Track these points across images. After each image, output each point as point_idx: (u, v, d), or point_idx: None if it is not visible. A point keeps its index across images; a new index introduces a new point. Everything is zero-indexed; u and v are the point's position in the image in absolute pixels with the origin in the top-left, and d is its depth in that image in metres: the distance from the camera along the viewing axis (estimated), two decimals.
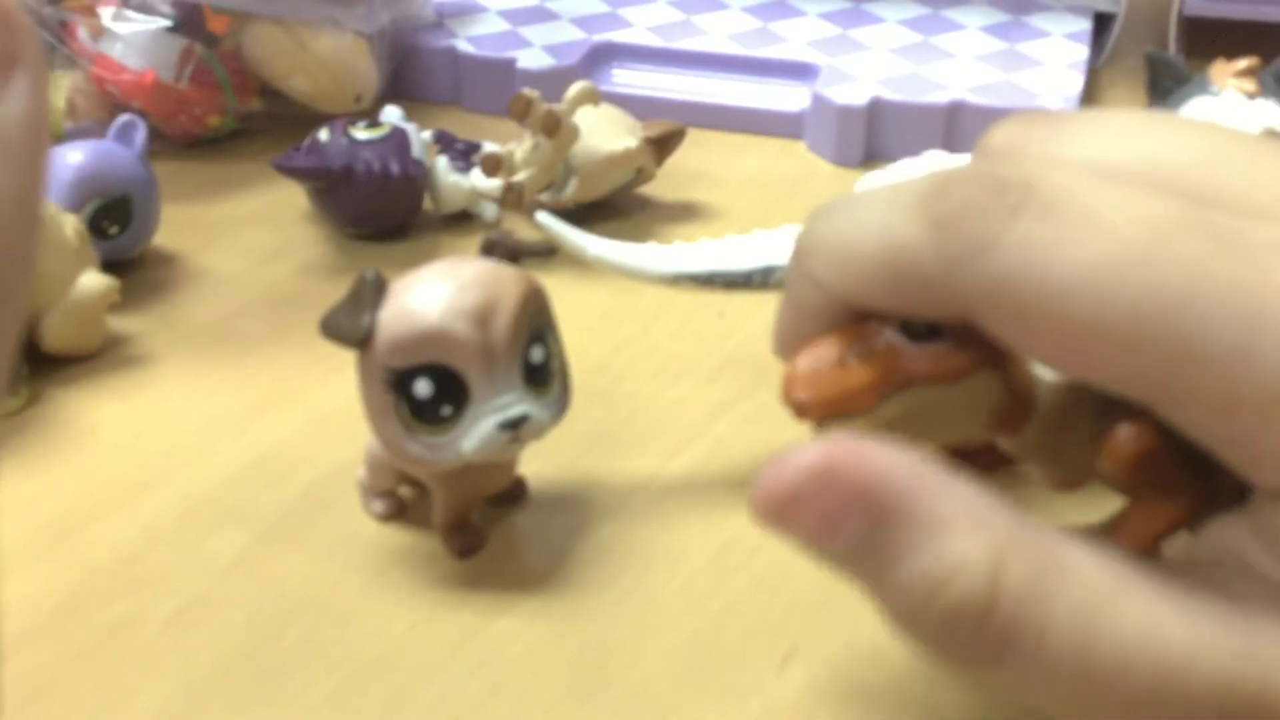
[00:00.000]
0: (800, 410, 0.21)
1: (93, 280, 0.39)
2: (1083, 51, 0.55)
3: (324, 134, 0.45)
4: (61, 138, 0.46)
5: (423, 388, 0.29)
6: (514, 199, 0.44)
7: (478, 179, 0.46)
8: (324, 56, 0.50)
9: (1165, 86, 0.41)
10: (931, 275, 0.19)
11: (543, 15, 0.58)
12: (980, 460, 0.24)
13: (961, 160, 0.36)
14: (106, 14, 0.49)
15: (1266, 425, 0.18)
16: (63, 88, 0.49)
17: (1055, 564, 0.18)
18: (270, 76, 0.51)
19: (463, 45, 0.55)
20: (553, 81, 0.50)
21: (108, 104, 0.49)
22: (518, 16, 0.58)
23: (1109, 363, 0.19)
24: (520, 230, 0.46)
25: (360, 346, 0.29)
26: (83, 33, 0.49)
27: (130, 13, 0.49)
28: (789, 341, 0.22)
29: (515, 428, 0.29)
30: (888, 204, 0.20)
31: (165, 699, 0.28)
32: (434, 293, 0.29)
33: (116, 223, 0.42)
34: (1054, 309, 0.18)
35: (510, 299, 0.29)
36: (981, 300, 0.19)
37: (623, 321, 0.41)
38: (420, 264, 0.30)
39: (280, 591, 0.31)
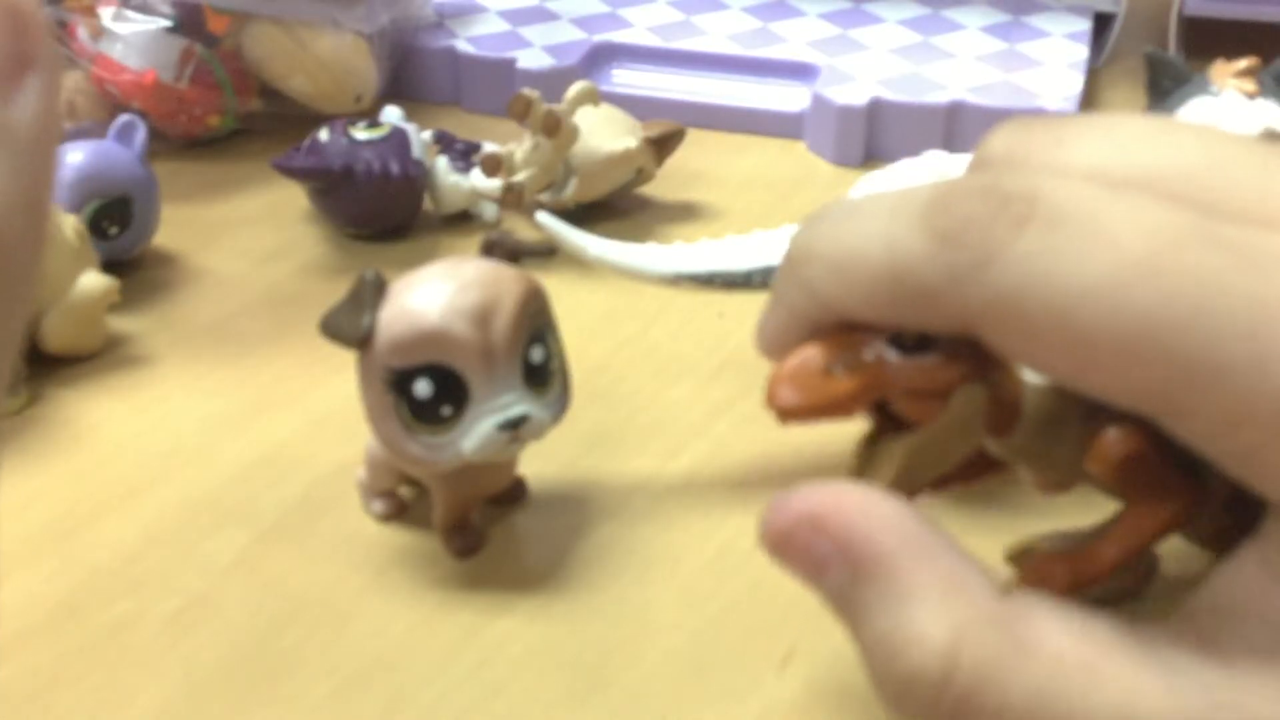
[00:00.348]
0: (783, 414, 0.21)
1: (93, 280, 0.39)
2: (1083, 51, 0.55)
3: (324, 134, 0.45)
4: (62, 138, 0.46)
5: (423, 388, 0.29)
6: (514, 199, 0.44)
7: (478, 179, 0.46)
8: (324, 56, 0.50)
9: (1165, 86, 0.41)
10: (934, 288, 0.19)
11: (543, 15, 0.58)
12: (972, 464, 0.24)
13: (962, 161, 0.36)
14: (106, 14, 0.49)
15: (1276, 439, 0.18)
16: (63, 88, 0.49)
17: (1020, 644, 0.19)
18: (270, 76, 0.51)
19: (463, 45, 0.55)
20: (553, 81, 0.50)
21: (108, 104, 0.49)
22: (518, 16, 0.58)
23: (1115, 376, 0.19)
24: (520, 230, 0.46)
25: (360, 347, 0.29)
26: (83, 33, 0.49)
27: (130, 13, 0.49)
28: (777, 343, 0.22)
29: (515, 428, 0.29)
30: (889, 215, 0.20)
31: (165, 699, 0.28)
32: (434, 293, 0.29)
33: (116, 223, 0.42)
34: (1060, 322, 0.18)
35: (510, 299, 0.29)
36: (985, 313, 0.19)
37: (623, 321, 0.41)
38: (420, 264, 0.30)
39: (280, 591, 0.31)
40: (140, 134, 0.43)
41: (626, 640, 0.30)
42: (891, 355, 0.21)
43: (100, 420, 0.37)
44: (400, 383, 0.29)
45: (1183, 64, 0.41)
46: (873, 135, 0.50)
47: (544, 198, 0.45)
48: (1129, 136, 0.21)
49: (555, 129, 0.43)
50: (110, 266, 0.41)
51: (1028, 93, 0.51)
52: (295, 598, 0.31)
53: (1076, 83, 0.52)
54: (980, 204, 0.19)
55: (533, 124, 0.43)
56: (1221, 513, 0.22)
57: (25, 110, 0.11)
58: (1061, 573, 0.22)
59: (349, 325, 0.29)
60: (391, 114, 0.47)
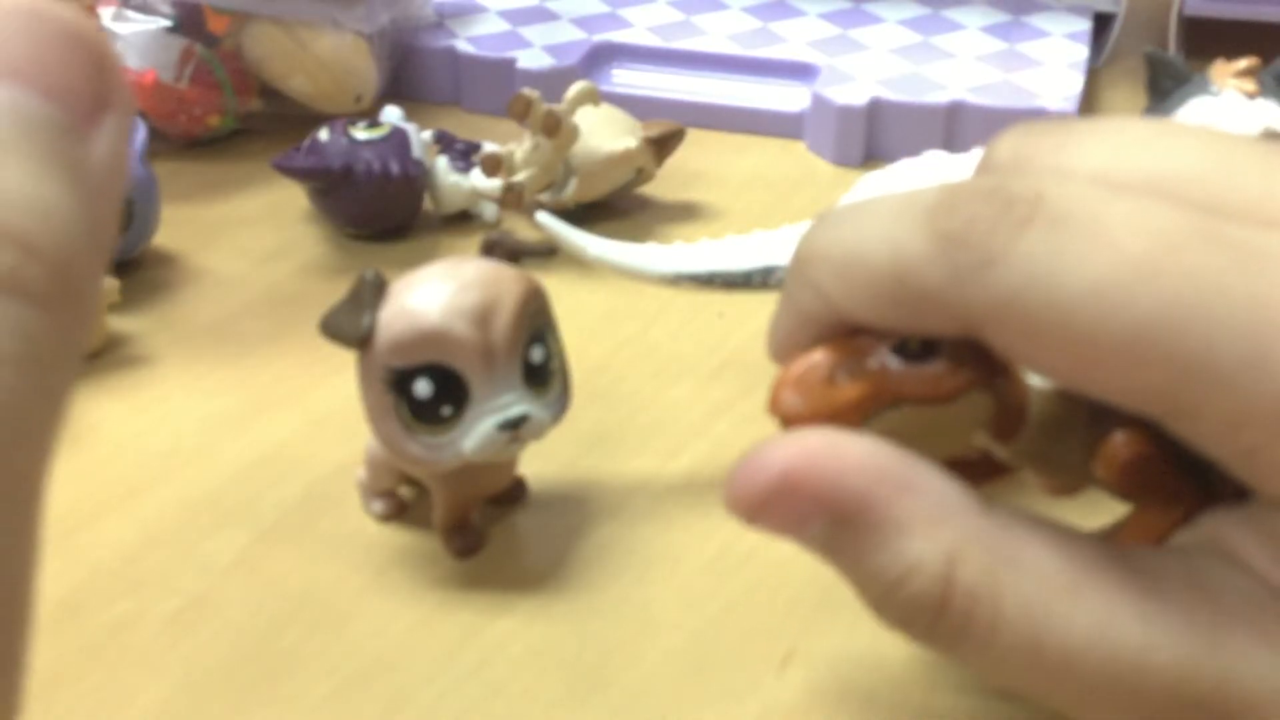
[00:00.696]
0: (785, 421, 0.21)
1: None
2: (1083, 51, 0.55)
3: (324, 134, 0.45)
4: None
5: (423, 388, 0.29)
6: (514, 199, 0.44)
7: (478, 179, 0.46)
8: (324, 56, 0.50)
9: (1165, 86, 0.41)
10: (937, 289, 0.19)
11: (543, 15, 0.58)
12: (978, 467, 0.24)
13: (961, 161, 0.36)
14: (106, 14, 0.49)
15: (1277, 439, 0.18)
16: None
17: (1009, 559, 0.19)
18: (270, 76, 0.51)
19: (463, 45, 0.55)
20: (553, 81, 0.50)
21: None
22: (518, 16, 0.58)
23: (1118, 377, 0.19)
24: (520, 230, 0.46)
25: (360, 347, 0.29)
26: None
27: (130, 13, 0.49)
28: (785, 346, 0.22)
29: (515, 428, 0.29)
30: (893, 216, 0.20)
31: (165, 699, 0.28)
32: (434, 293, 0.29)
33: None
34: (1062, 323, 0.18)
35: (510, 299, 0.29)
36: (988, 315, 0.19)
37: (623, 321, 0.41)
38: (420, 264, 0.30)
39: (280, 591, 0.31)
40: (140, 134, 0.43)
41: (626, 640, 0.30)
42: (896, 362, 0.21)
43: (100, 420, 0.37)
44: (400, 383, 0.29)
45: (1183, 64, 0.41)
46: (873, 135, 0.50)
47: (544, 198, 0.45)
48: (1132, 140, 0.21)
49: (555, 129, 0.43)
50: (110, 266, 0.41)
51: (1028, 93, 0.51)
52: (295, 598, 0.31)
53: (1076, 83, 0.52)
54: (984, 205, 0.19)
55: (533, 124, 0.43)
56: None
57: (101, 149, 0.11)
58: None
59: (349, 325, 0.29)
60: (391, 114, 0.47)
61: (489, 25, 0.57)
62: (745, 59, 0.55)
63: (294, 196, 0.47)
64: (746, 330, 0.40)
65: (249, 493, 0.34)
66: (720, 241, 0.34)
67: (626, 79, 0.55)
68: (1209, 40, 0.55)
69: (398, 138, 0.45)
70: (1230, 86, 0.40)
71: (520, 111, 0.43)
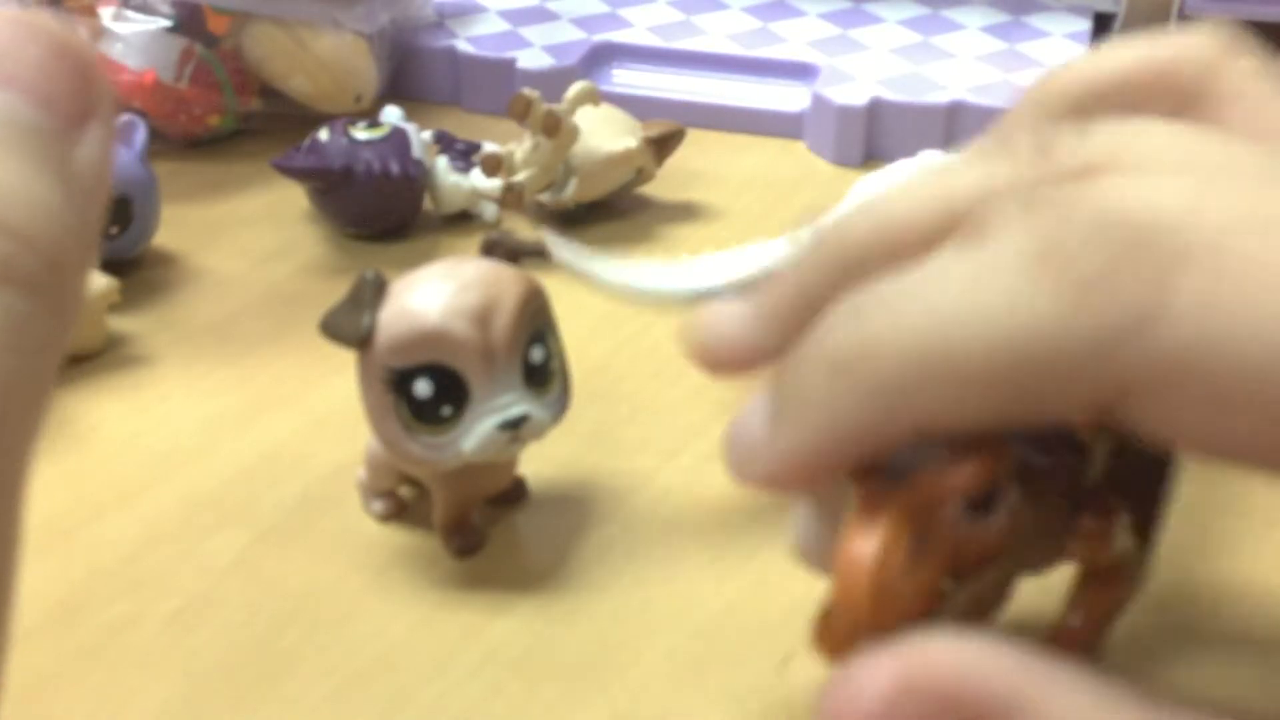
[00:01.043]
0: (861, 627, 0.17)
1: (93, 280, 0.39)
2: (1083, 51, 0.55)
3: (324, 134, 0.45)
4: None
5: (423, 388, 0.29)
6: (514, 199, 0.44)
7: (478, 179, 0.46)
8: (324, 56, 0.50)
9: None
10: (1075, 358, 0.15)
11: (543, 15, 0.58)
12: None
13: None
14: (106, 14, 0.49)
15: None
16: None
17: None
18: (270, 76, 0.51)
19: (463, 45, 0.55)
20: (553, 81, 0.50)
21: None
22: (518, 16, 0.58)
23: None
24: (520, 230, 0.46)
25: (360, 347, 0.29)
26: (82, 33, 0.49)
27: (130, 13, 0.49)
28: (797, 476, 0.18)
29: (515, 428, 0.29)
30: (980, 277, 0.16)
31: (165, 699, 0.28)
32: (434, 293, 0.29)
33: (116, 223, 0.42)
34: (1259, 378, 0.15)
35: (510, 299, 0.29)
36: (1150, 383, 0.15)
37: (623, 321, 0.41)
38: (420, 264, 0.30)
39: (280, 591, 0.31)
40: (140, 134, 0.43)
41: (626, 640, 0.30)
42: (967, 520, 0.18)
43: (100, 420, 0.37)
44: (400, 383, 0.29)
45: None
46: (873, 135, 0.50)
47: (544, 198, 0.45)
48: (1177, 138, 0.18)
49: (555, 129, 0.43)
50: (110, 266, 0.41)
51: None
52: (295, 598, 0.31)
53: None
54: (1112, 242, 0.15)
55: (533, 124, 0.43)
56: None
57: (88, 153, 0.12)
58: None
59: (349, 325, 0.29)
60: (391, 114, 0.47)
61: (489, 25, 0.57)
62: (745, 59, 0.55)
63: (294, 196, 0.47)
64: None
65: (249, 493, 0.34)
66: (727, 253, 0.33)
67: (626, 79, 0.55)
68: None
69: (398, 138, 0.45)
70: None
71: (520, 111, 0.43)
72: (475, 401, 0.29)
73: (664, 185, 0.48)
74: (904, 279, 0.17)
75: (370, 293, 0.29)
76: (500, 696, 0.28)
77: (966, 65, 0.53)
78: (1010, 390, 0.16)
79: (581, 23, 0.57)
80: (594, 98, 0.45)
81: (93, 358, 0.39)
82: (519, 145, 0.44)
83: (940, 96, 0.50)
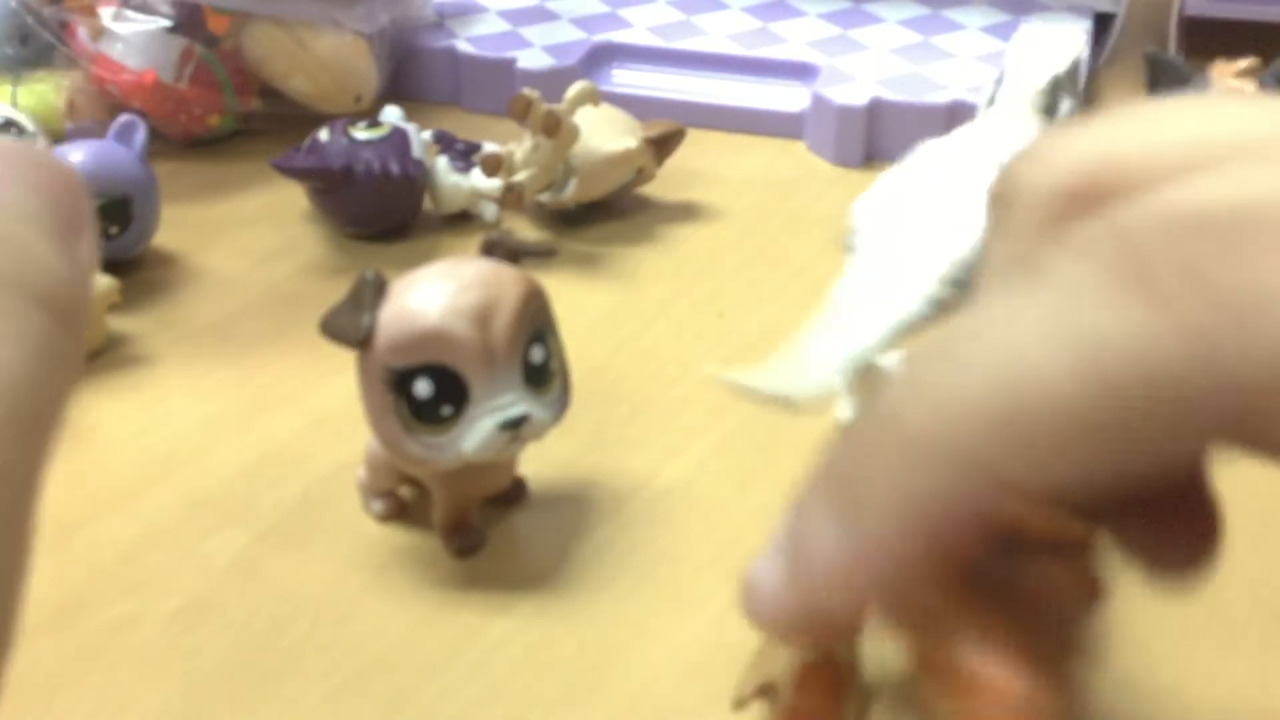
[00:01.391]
0: None
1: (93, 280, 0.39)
2: (1083, 52, 0.55)
3: (324, 134, 0.45)
4: (61, 138, 0.46)
5: (423, 388, 0.29)
6: (514, 199, 0.44)
7: (478, 179, 0.46)
8: (324, 56, 0.50)
9: (1165, 86, 0.41)
10: (1184, 375, 0.13)
11: (543, 15, 0.58)
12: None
13: (956, 146, 0.35)
14: (106, 14, 0.49)
15: None
16: (63, 88, 0.49)
17: None
18: (270, 76, 0.51)
19: (463, 45, 0.55)
20: (553, 81, 0.50)
21: (108, 104, 0.49)
22: (518, 16, 0.58)
23: None
24: (520, 230, 0.46)
25: (360, 347, 0.29)
26: (83, 33, 0.49)
27: (130, 13, 0.49)
28: (890, 590, 0.15)
29: (515, 428, 0.29)
30: (1052, 313, 0.14)
31: (165, 699, 0.28)
32: (434, 293, 0.29)
33: (116, 223, 0.42)
34: None
35: (510, 299, 0.29)
36: (1275, 380, 0.13)
37: (623, 321, 0.41)
38: (420, 264, 0.30)
39: (280, 591, 0.31)
40: (140, 134, 0.43)
41: (626, 640, 0.30)
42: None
43: (100, 420, 0.37)
44: (400, 382, 0.29)
45: (1183, 64, 0.41)
46: (873, 135, 0.50)
47: (544, 198, 0.45)
48: (1210, 112, 0.16)
49: (555, 129, 0.43)
50: (110, 266, 0.41)
51: None
52: (295, 598, 0.31)
53: (1076, 83, 0.52)
54: (1188, 241, 0.13)
55: (533, 124, 0.43)
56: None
57: (81, 254, 0.15)
58: None
59: (349, 325, 0.29)
60: (391, 114, 0.47)
61: (489, 25, 0.57)
62: (745, 59, 0.55)
63: (294, 196, 0.47)
64: (747, 330, 0.40)
65: (249, 493, 0.34)
66: (831, 323, 0.31)
67: (626, 79, 0.55)
68: (1209, 40, 0.55)
69: (398, 138, 0.45)
70: (1230, 86, 0.40)
71: (520, 111, 0.43)
72: (475, 401, 0.29)
73: (664, 185, 0.48)
74: (962, 332, 0.15)
75: (370, 293, 0.29)
76: (500, 696, 0.28)
77: (966, 65, 0.53)
78: (1118, 433, 0.14)
79: (581, 23, 0.57)
80: (594, 98, 0.45)
81: (93, 358, 0.39)
82: (519, 145, 0.44)
83: (940, 96, 0.50)
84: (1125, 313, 0.14)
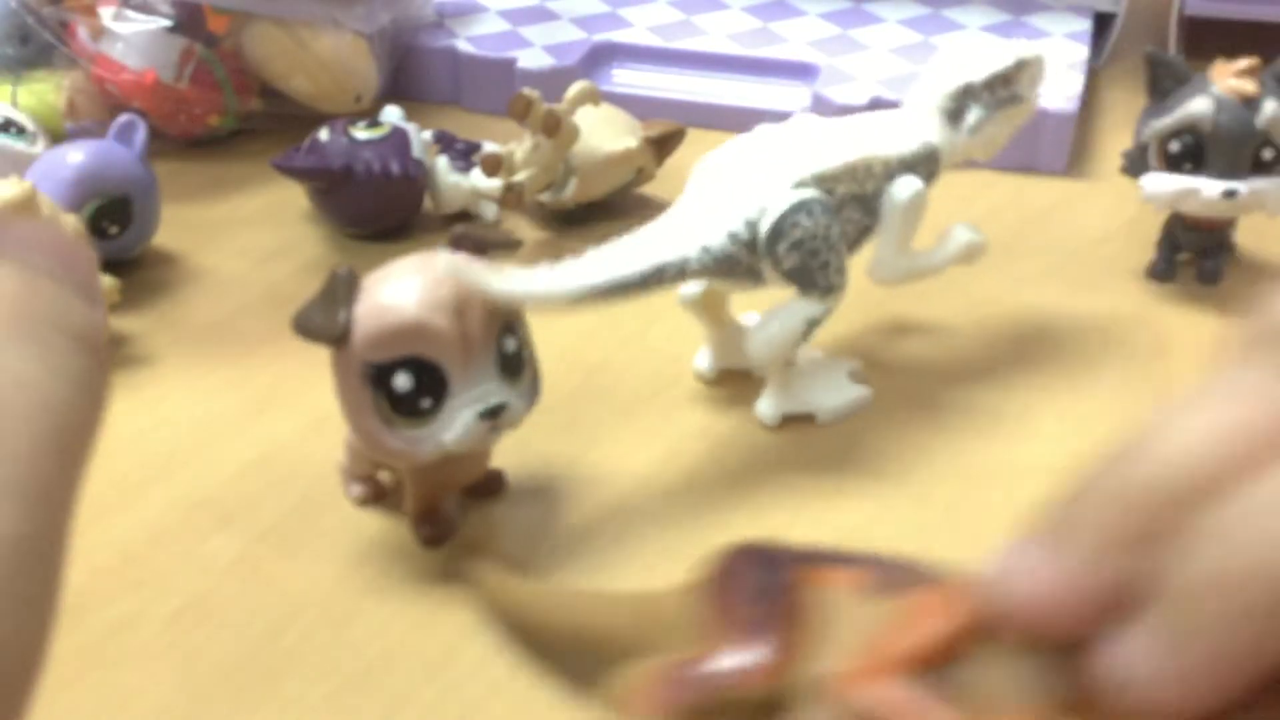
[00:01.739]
0: None
1: None
2: (1083, 51, 0.55)
3: (324, 134, 0.45)
4: (61, 138, 0.46)
5: (402, 381, 0.29)
6: (514, 199, 0.44)
7: (478, 179, 0.46)
8: (324, 56, 0.50)
9: (1165, 86, 0.41)
10: None
11: (543, 15, 0.58)
12: None
13: (832, 124, 0.36)
14: (106, 14, 0.49)
15: None
16: (63, 88, 0.49)
17: None
18: (270, 76, 0.51)
19: (463, 45, 0.55)
20: (553, 81, 0.50)
21: (108, 104, 0.49)
22: (518, 16, 0.58)
23: None
24: (520, 230, 0.46)
25: (337, 343, 0.29)
26: (83, 33, 0.49)
27: (130, 13, 0.49)
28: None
29: (494, 417, 0.29)
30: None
31: (165, 699, 0.28)
32: (409, 287, 0.29)
33: (116, 223, 0.42)
34: None
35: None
36: None
37: (623, 321, 0.41)
38: None
39: (280, 591, 0.31)
40: (140, 134, 0.43)
41: None
42: None
43: None
44: (379, 377, 0.29)
45: (1183, 64, 0.41)
46: None
47: (544, 198, 0.45)
48: None
49: (555, 129, 0.43)
50: (110, 266, 0.41)
51: None
52: (295, 598, 0.31)
53: (1076, 83, 0.52)
54: None
55: (533, 124, 0.43)
56: None
57: (100, 308, 0.18)
58: None
59: (325, 321, 0.29)
60: (391, 114, 0.47)
61: (489, 25, 0.57)
62: (745, 59, 0.55)
63: (294, 196, 0.47)
64: None
65: (249, 493, 0.34)
66: (606, 248, 0.32)
67: (626, 79, 0.55)
68: (1209, 40, 0.55)
69: (398, 138, 0.45)
70: (1230, 87, 0.40)
71: (520, 111, 0.43)
72: (454, 393, 0.29)
73: (664, 185, 0.47)
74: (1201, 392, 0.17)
75: (344, 289, 0.29)
76: (500, 696, 0.28)
77: None
78: None
79: (581, 23, 0.57)
80: (594, 98, 0.45)
81: None
82: (519, 145, 0.44)
83: None
84: None
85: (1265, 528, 0.16)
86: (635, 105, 0.49)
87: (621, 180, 0.46)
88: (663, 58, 0.56)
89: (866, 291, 0.39)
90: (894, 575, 0.21)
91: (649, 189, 0.48)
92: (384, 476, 0.34)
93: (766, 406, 0.36)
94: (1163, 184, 0.41)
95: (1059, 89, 0.51)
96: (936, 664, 0.19)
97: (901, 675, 0.19)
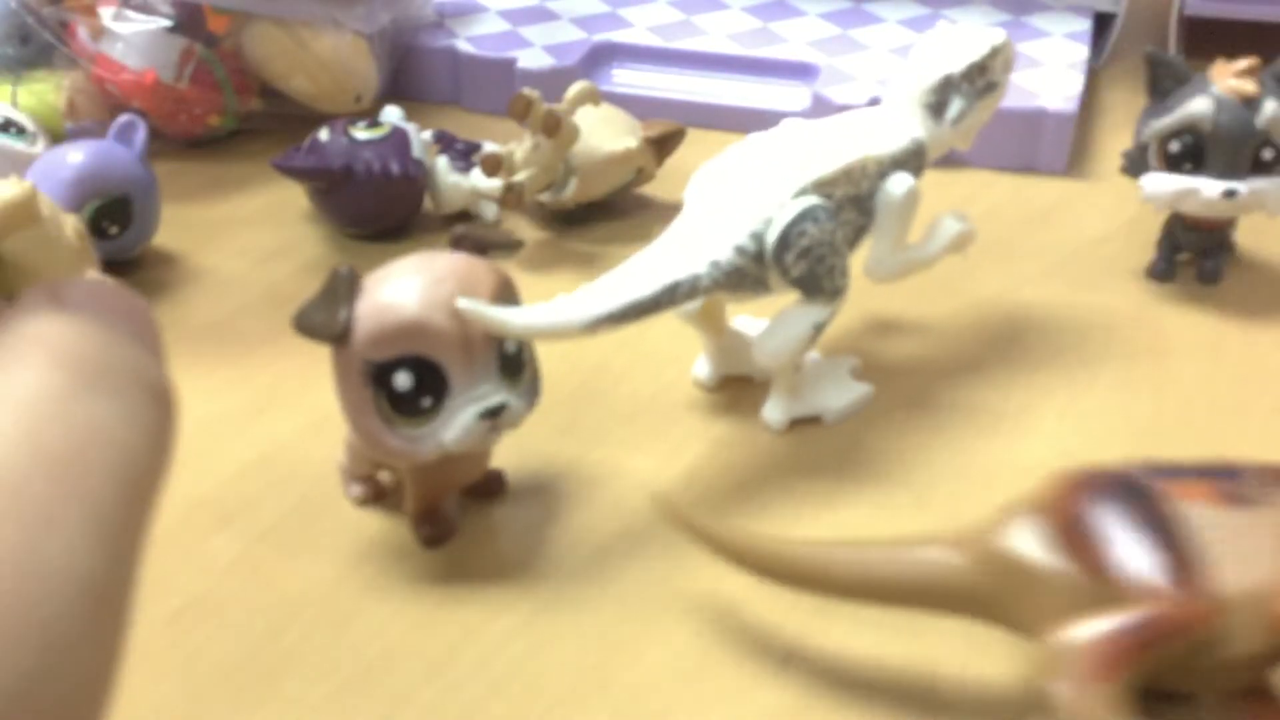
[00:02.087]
0: None
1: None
2: (1083, 51, 0.55)
3: (324, 134, 0.45)
4: (61, 138, 0.46)
5: (403, 380, 0.29)
6: (514, 199, 0.44)
7: (478, 179, 0.46)
8: (324, 56, 0.50)
9: (1165, 86, 0.41)
10: None
11: (543, 15, 0.58)
12: None
13: (823, 125, 0.36)
14: (106, 14, 0.49)
15: None
16: (63, 88, 0.49)
17: None
18: (270, 76, 0.51)
19: (463, 45, 0.55)
20: (553, 81, 0.50)
21: (108, 104, 0.49)
22: (518, 16, 0.58)
23: None
24: (520, 230, 0.46)
25: (337, 341, 0.29)
26: (83, 33, 0.49)
27: (130, 13, 0.49)
28: None
29: (495, 416, 0.29)
30: None
31: (165, 699, 0.28)
32: (410, 286, 0.29)
33: (116, 223, 0.42)
34: None
35: (484, 290, 0.29)
36: None
37: None
38: None
39: (280, 591, 0.31)
40: (140, 134, 0.43)
41: (626, 640, 0.30)
42: None
43: None
44: (380, 376, 0.29)
45: (1183, 64, 0.41)
46: None
47: (544, 198, 0.45)
48: None
49: (555, 129, 0.43)
50: (110, 266, 0.41)
51: (1028, 92, 0.51)
52: (295, 598, 0.31)
53: (1076, 83, 0.52)
54: None
55: (533, 124, 0.43)
56: None
57: (165, 365, 0.19)
58: None
59: (326, 320, 0.29)
60: (391, 114, 0.47)
61: (489, 25, 0.57)
62: (745, 59, 0.55)
63: (294, 196, 0.47)
64: None
65: (249, 493, 0.34)
66: (615, 273, 0.32)
67: (626, 79, 0.55)
68: (1209, 40, 0.55)
69: (398, 138, 0.45)
70: (1230, 87, 0.40)
71: (520, 111, 0.43)
72: (455, 392, 0.29)
73: (664, 185, 0.48)
74: None
75: (344, 287, 0.29)
76: (500, 696, 0.28)
77: None
78: None
79: (581, 23, 0.57)
80: (594, 98, 0.45)
81: None
82: (519, 145, 0.44)
83: None
84: None
85: None
86: (635, 105, 0.49)
87: (621, 180, 0.46)
88: (663, 58, 0.56)
89: (866, 292, 0.39)
90: (1243, 486, 0.21)
91: (649, 189, 0.48)
92: (384, 476, 0.34)
93: (774, 412, 0.36)
94: (1163, 184, 0.41)
95: (1058, 89, 0.51)
96: None
97: None
